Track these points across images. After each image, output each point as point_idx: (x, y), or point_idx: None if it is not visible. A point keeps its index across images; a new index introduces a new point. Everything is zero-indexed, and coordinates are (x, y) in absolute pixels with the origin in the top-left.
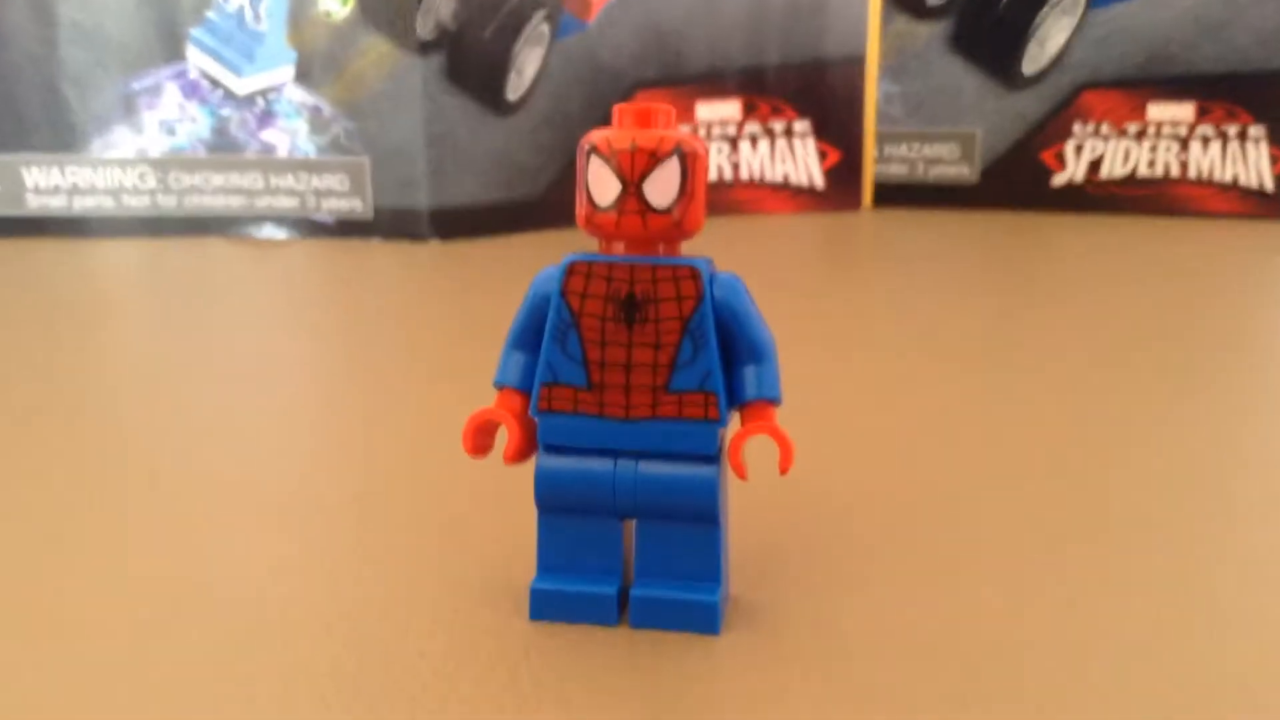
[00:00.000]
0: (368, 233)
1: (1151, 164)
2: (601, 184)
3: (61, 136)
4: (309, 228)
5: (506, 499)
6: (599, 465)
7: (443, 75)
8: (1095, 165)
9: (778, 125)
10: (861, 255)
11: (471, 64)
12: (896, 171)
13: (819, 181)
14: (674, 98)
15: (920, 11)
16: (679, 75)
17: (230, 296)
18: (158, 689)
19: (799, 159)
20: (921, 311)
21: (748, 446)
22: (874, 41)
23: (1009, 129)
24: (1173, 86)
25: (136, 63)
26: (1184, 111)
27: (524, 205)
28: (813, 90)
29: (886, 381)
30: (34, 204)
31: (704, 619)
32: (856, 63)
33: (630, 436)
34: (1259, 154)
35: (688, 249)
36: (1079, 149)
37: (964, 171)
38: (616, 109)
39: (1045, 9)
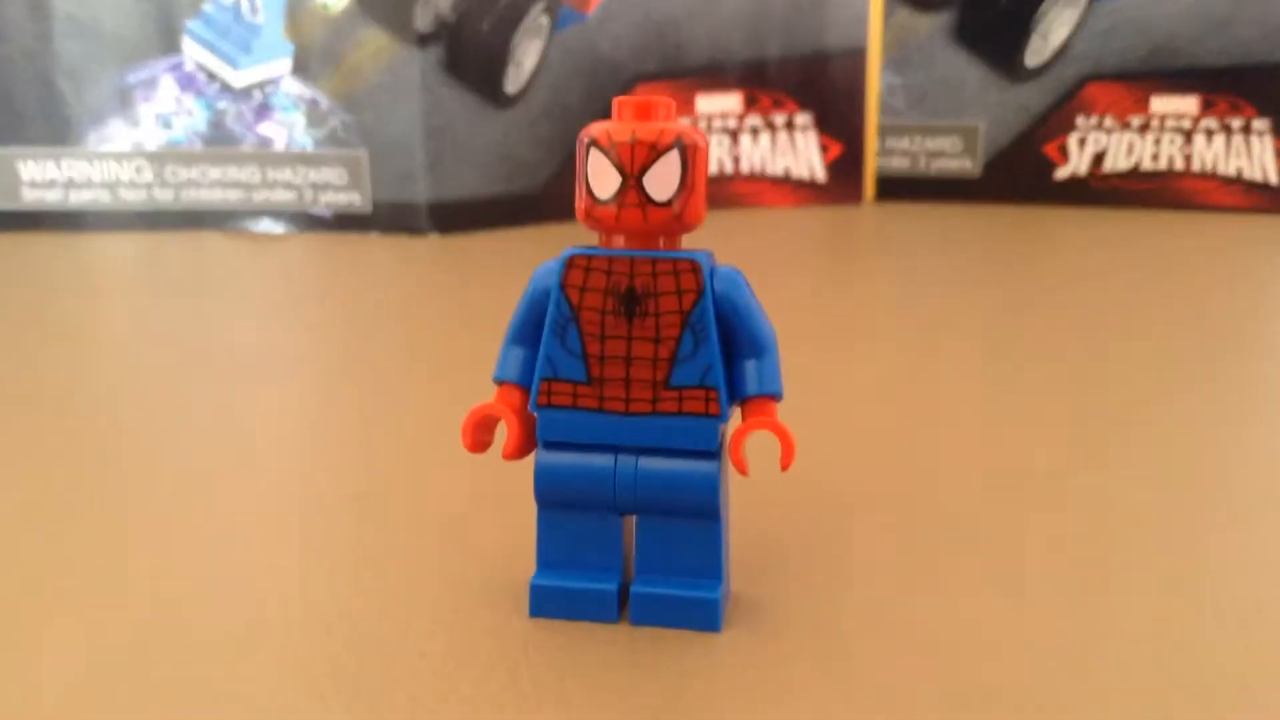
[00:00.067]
0: (366, 227)
1: (1155, 157)
2: (601, 177)
3: (57, 130)
4: (306, 222)
5: (506, 495)
6: (599, 461)
7: (441, 68)
8: (1099, 158)
9: (779, 118)
10: (863, 249)
11: (470, 56)
12: (898, 165)
13: (820, 175)
14: (674, 90)
15: (922, 3)
16: (679, 68)
17: (227, 291)
18: (157, 689)
19: (800, 152)
20: (923, 306)
21: (749, 442)
22: (876, 33)
23: (1012, 122)
24: (1177, 79)
25: (132, 55)
26: (1188, 104)
27: (523, 199)
28: (814, 83)
29: (888, 376)
30: (29, 197)
31: (705, 616)
32: (858, 55)
33: (630, 432)
34: (1263, 147)
35: (688, 242)
36: (1082, 142)
37: (966, 165)
38: (616, 101)
39: (1048, 1)
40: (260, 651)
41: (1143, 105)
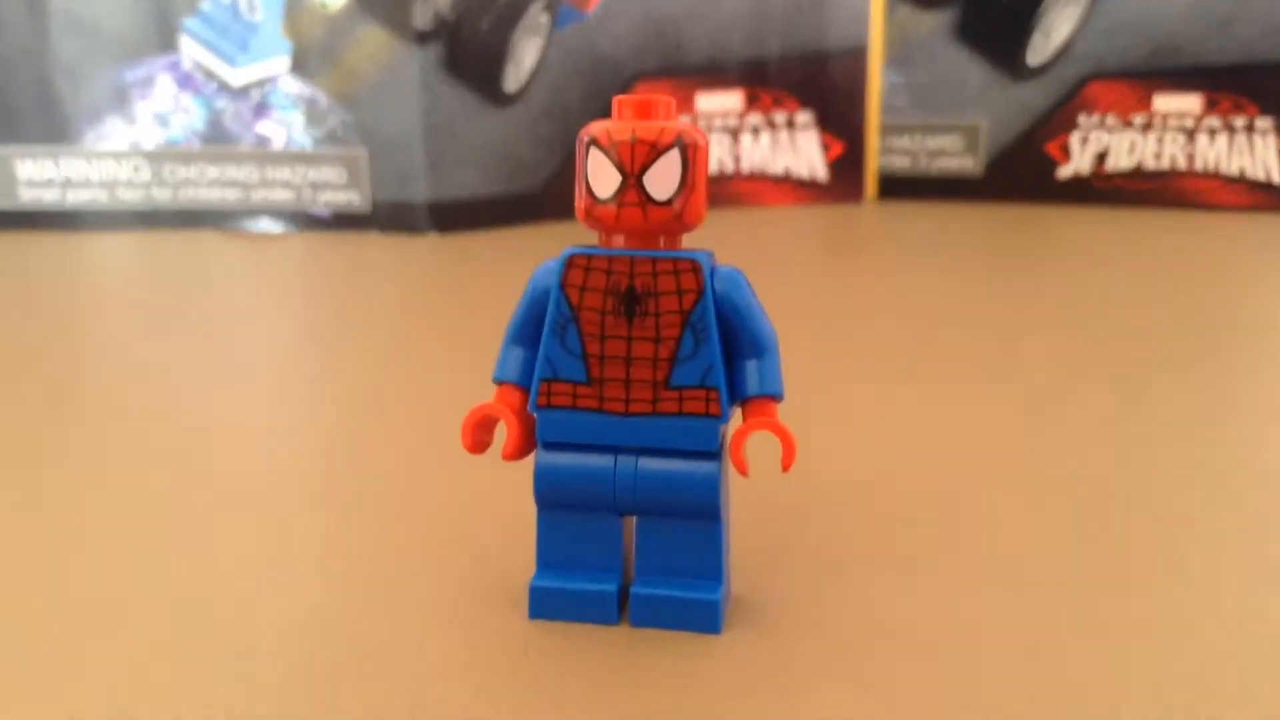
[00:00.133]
0: (365, 226)
1: (1158, 156)
2: (601, 176)
3: (54, 128)
4: (305, 221)
5: (505, 496)
6: (599, 461)
7: (440, 66)
8: (1101, 157)
9: (779, 117)
10: (864, 248)
11: (470, 55)
12: (900, 164)
13: (821, 174)
14: (674, 89)
15: (924, 1)
16: (679, 66)
17: (225, 291)
18: (156, 689)
19: (801, 151)
20: (924, 305)
21: (749, 442)
22: (877, 31)
23: (1014, 120)
24: (1179, 78)
25: (130, 54)
26: (1191, 103)
27: (523, 198)
28: (815, 81)
29: (889, 376)
30: (26, 197)
31: (705, 617)
32: (859, 53)
33: (630, 432)
34: (1266, 146)
35: (688, 242)
36: (1084, 141)
37: (968, 164)
38: (616, 100)
39: None
40: (259, 652)
41: (1145, 104)
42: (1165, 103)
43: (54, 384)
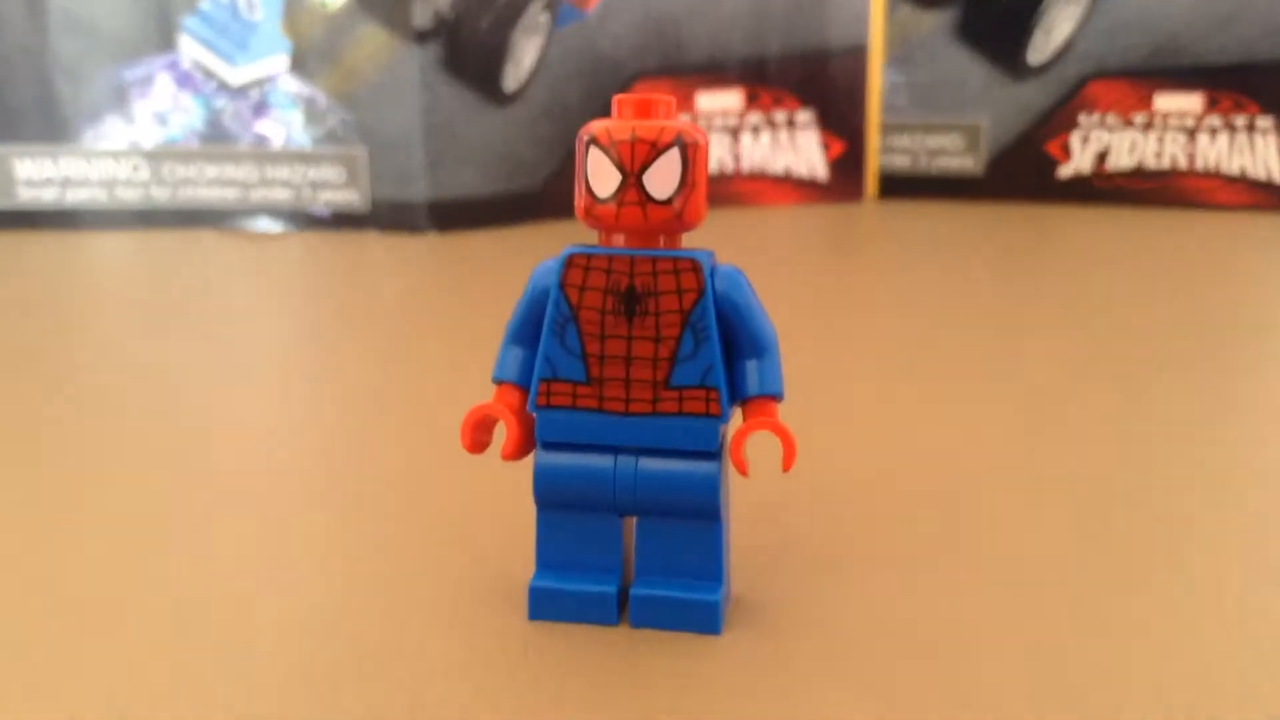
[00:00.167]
0: (364, 225)
1: (1158, 155)
2: (601, 175)
3: (53, 128)
4: (305, 220)
5: (505, 496)
6: (598, 461)
7: (440, 65)
8: (1101, 157)
9: (780, 116)
10: (864, 248)
11: (469, 54)
12: (900, 163)
13: (821, 173)
14: (674, 88)
15: (924, 0)
16: (679, 65)
17: (225, 290)
18: (156, 689)
19: (801, 150)
20: (925, 304)
21: (749, 442)
22: (878, 30)
23: (1014, 120)
24: (1180, 77)
25: (129, 53)
26: (1191, 102)
27: (523, 197)
28: (815, 80)
29: (890, 375)
30: (25, 196)
31: (705, 618)
32: (859, 52)
33: (630, 432)
34: (1267, 145)
35: (688, 241)
36: (1085, 140)
37: (968, 163)
38: (616, 99)
39: None
40: (259, 651)
41: (1146, 103)
42: (1166, 102)
43: (53, 383)
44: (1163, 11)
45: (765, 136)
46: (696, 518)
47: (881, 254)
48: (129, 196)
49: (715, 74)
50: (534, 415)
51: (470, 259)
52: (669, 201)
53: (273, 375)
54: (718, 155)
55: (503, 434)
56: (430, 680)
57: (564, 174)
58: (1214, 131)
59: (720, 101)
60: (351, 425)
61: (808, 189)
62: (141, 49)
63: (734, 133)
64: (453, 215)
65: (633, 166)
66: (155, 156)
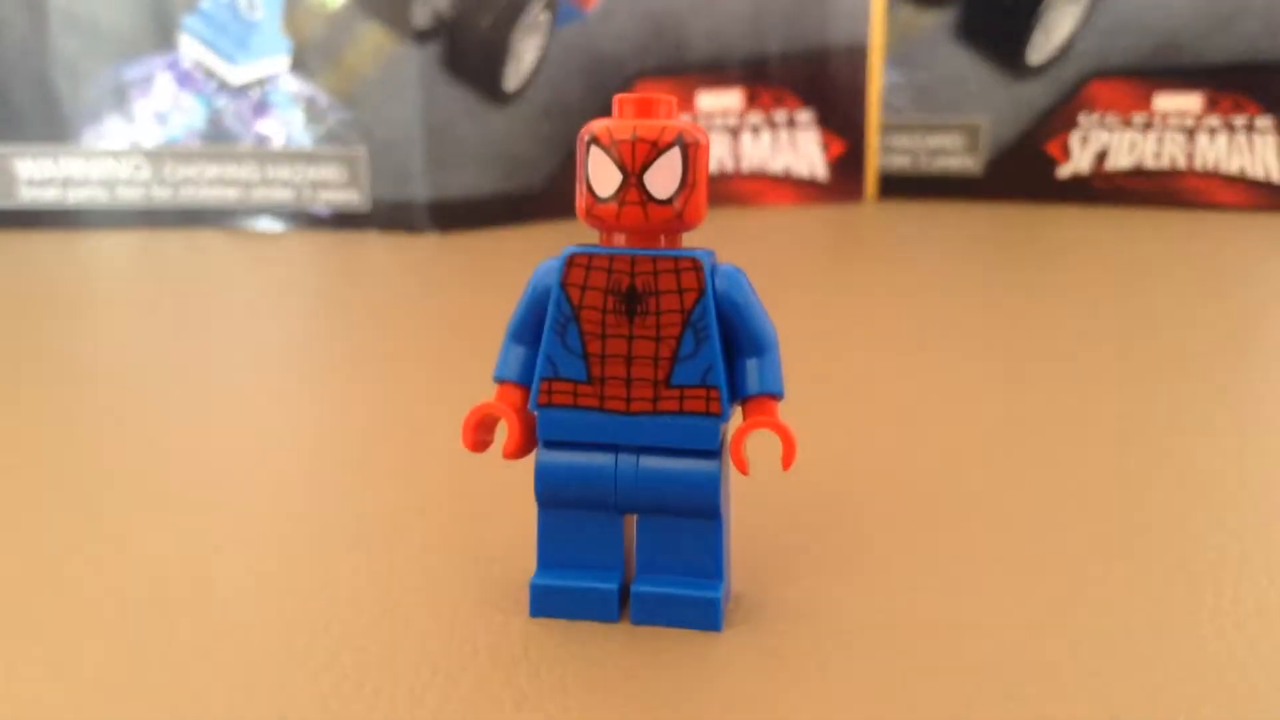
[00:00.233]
0: (365, 225)
1: (1158, 155)
2: (602, 174)
3: (54, 127)
4: (305, 220)
5: (506, 494)
6: (599, 460)
7: (440, 65)
8: (1101, 156)
9: (780, 115)
10: (864, 247)
11: (469, 53)
12: (900, 162)
13: (821, 172)
14: (675, 87)
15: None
16: (680, 65)
17: (225, 290)
18: (155, 688)
19: (801, 150)
20: (924, 304)
21: (749, 441)
22: (878, 30)
23: (1014, 119)
24: (1180, 77)
25: (129, 52)
26: (1191, 102)
27: (523, 196)
28: (815, 80)
29: (890, 375)
30: (26, 196)
31: (705, 615)
32: (860, 52)
33: (631, 431)
34: (1266, 145)
35: (689, 241)
36: (1084, 140)
37: (968, 162)
38: (617, 99)
39: None
40: (259, 651)
41: (1145, 103)
42: (1165, 102)
43: (54, 382)
44: (1162, 11)
45: (765, 136)
46: (697, 516)
47: (881, 253)
48: (130, 196)
49: (716, 73)
50: (535, 414)
51: (470, 258)
52: (670, 201)
53: (273, 374)
54: (718, 155)
55: (504, 433)
56: (430, 679)
57: (564, 173)
58: (1213, 131)
59: (720, 101)
60: (353, 424)
61: (808, 189)
62: (142, 48)
63: (734, 132)
64: (453, 215)
65: (634, 166)
66: (156, 156)
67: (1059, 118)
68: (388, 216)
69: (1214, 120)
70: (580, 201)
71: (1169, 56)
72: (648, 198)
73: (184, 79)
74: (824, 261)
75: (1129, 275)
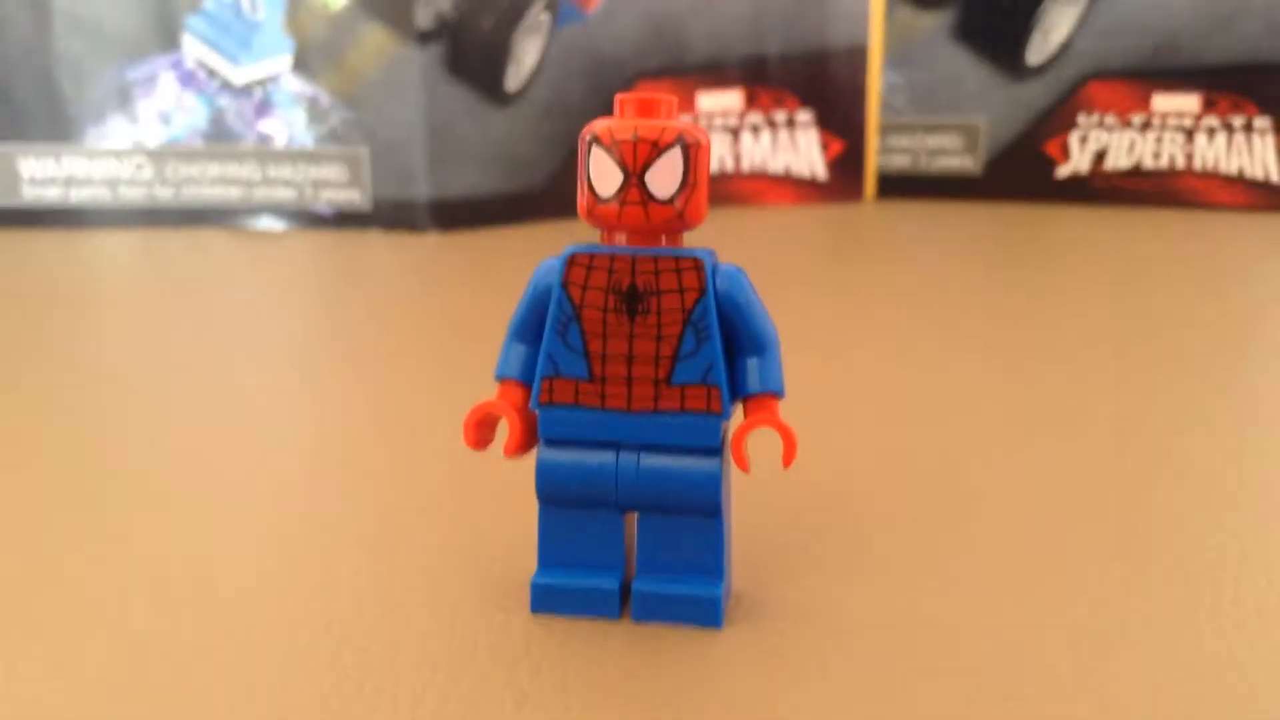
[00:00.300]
0: (366, 224)
1: (1156, 156)
2: (603, 174)
3: (57, 127)
4: (307, 219)
5: (507, 492)
6: (600, 458)
7: (442, 65)
8: (1100, 157)
9: (780, 115)
10: (864, 247)
11: (471, 54)
12: (899, 163)
13: (821, 173)
14: (676, 87)
15: (924, 0)
16: (680, 65)
17: (227, 289)
18: (155, 688)
19: (801, 150)
20: (923, 304)
21: (750, 439)
22: (877, 31)
23: (1013, 120)
24: (1178, 77)
25: (132, 52)
26: (1190, 103)
27: (524, 196)
28: (815, 80)
29: (890, 374)
30: (29, 195)
31: (706, 613)
32: (859, 52)
33: (632, 429)
34: (1265, 146)
35: (690, 240)
36: (1083, 140)
37: (967, 163)
38: (618, 99)
39: None
40: (259, 651)
41: (1144, 103)
42: (1164, 102)
43: (56, 381)
44: (1161, 12)
45: (765, 136)
46: (698, 514)
47: (881, 253)
48: (132, 195)
49: (716, 74)
50: (535, 412)
51: (472, 258)
52: (671, 201)
53: (274, 373)
54: (718, 155)
55: (505, 431)
56: (430, 678)
57: (565, 173)
58: (1212, 132)
59: (720, 101)
60: (354, 423)
61: (807, 189)
62: (145, 48)
63: (734, 132)
64: (454, 214)
65: (635, 166)
66: (159, 155)
67: (1058, 118)
68: (389, 216)
69: (1213, 121)
70: (581, 201)
71: (1168, 57)
72: (649, 197)
73: (187, 79)
74: (824, 261)
75: (1128, 275)
